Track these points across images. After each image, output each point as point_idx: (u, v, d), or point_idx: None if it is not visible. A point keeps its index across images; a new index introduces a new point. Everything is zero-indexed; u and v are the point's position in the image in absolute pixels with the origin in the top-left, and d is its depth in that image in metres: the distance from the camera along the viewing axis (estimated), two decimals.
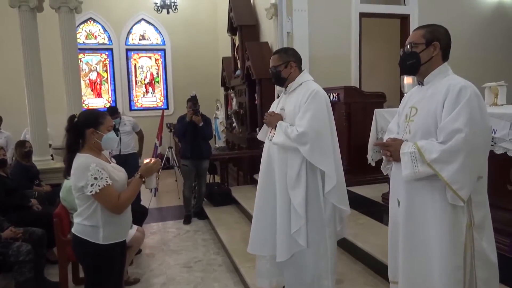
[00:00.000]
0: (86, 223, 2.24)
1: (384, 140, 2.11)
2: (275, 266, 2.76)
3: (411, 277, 1.96)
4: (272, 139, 2.66)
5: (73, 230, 2.32)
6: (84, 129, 2.26)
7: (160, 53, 10.42)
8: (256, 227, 2.79)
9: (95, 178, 2.15)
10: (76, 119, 2.29)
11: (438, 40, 1.94)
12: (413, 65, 1.98)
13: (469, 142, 1.72)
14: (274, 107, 2.86)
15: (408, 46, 2.00)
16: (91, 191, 2.14)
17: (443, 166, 1.75)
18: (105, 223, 2.24)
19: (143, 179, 2.37)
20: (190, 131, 5.22)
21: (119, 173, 2.36)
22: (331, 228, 2.66)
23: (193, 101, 5.26)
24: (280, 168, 2.63)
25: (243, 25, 6.79)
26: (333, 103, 5.32)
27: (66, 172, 2.30)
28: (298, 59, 2.74)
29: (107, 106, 9.93)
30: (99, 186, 2.15)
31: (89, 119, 2.29)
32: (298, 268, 2.65)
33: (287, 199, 2.59)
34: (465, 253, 1.81)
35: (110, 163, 2.38)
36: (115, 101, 10.09)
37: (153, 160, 2.43)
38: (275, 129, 2.64)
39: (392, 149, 1.96)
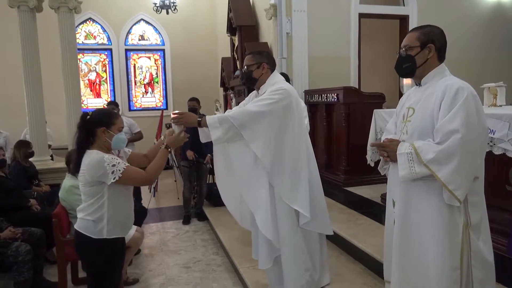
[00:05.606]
0: (90, 218, 2.25)
1: (382, 141, 2.11)
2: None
3: (405, 277, 1.96)
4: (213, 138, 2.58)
5: (76, 226, 2.32)
6: (96, 127, 2.27)
7: (159, 53, 10.41)
8: (254, 233, 2.82)
9: (113, 165, 2.18)
10: (88, 116, 2.31)
11: (433, 42, 1.94)
12: (409, 68, 1.98)
13: (465, 143, 1.72)
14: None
15: (403, 49, 1.99)
16: (114, 178, 2.17)
17: (439, 167, 1.75)
18: (109, 218, 2.25)
19: (169, 149, 2.40)
20: (191, 133, 5.17)
21: None
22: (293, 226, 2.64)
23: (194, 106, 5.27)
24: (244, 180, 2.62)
25: (242, 25, 6.78)
26: (332, 104, 5.37)
27: (75, 169, 2.30)
28: (271, 62, 2.70)
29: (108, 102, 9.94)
30: (119, 170, 2.18)
31: (102, 118, 2.31)
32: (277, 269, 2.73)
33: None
34: (462, 254, 1.81)
35: None
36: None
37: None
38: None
39: (389, 150, 1.97)
